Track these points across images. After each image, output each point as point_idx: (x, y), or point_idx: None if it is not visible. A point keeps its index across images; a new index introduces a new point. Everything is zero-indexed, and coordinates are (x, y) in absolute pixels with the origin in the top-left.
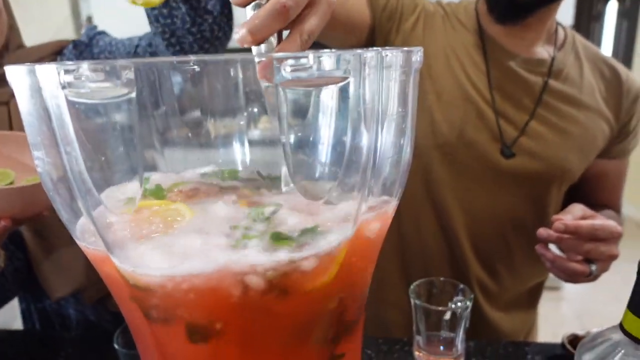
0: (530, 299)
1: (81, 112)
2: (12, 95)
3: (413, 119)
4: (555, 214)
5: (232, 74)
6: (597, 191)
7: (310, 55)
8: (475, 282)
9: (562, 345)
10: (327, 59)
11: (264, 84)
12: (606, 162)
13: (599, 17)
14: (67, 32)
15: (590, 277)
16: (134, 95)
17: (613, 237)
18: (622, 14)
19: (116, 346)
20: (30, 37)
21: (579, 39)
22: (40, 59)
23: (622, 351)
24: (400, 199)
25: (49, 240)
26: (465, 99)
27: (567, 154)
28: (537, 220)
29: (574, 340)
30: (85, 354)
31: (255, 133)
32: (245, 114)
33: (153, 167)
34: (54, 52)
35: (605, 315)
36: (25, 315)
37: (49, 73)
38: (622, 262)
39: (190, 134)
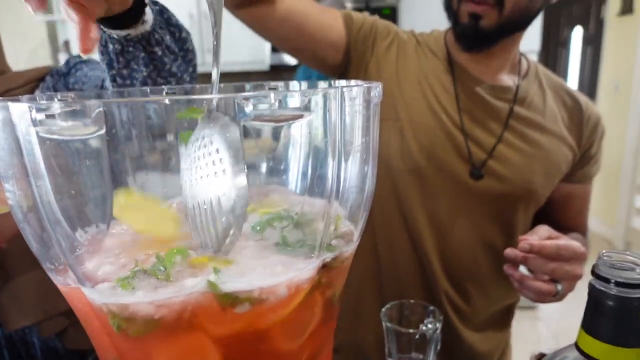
0: (503, 320)
1: (52, 148)
2: None
3: (375, 149)
4: (522, 234)
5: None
6: (563, 215)
7: (272, 94)
8: (447, 303)
9: None
10: (290, 97)
11: None
12: (571, 186)
13: (565, 43)
14: (43, 55)
15: (556, 296)
16: (103, 132)
17: (577, 257)
18: (586, 40)
19: None
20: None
21: (542, 69)
22: (24, 85)
23: None
24: (375, 220)
25: (6, 270)
26: (436, 122)
27: (533, 177)
28: (506, 242)
29: (542, 358)
30: None
31: None
32: None
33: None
34: (37, 79)
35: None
36: None
37: (22, 110)
38: None
39: (162, 163)
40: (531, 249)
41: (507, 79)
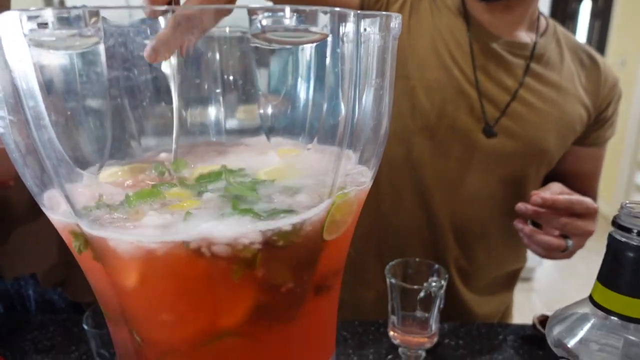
0: (506, 285)
1: (45, 63)
2: None
3: (391, 87)
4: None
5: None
6: (574, 179)
7: (287, 8)
8: (452, 263)
9: (533, 325)
10: (305, 14)
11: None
12: (583, 150)
13: (573, 15)
14: None
15: (565, 252)
16: (102, 45)
17: (590, 213)
18: (594, 14)
19: (85, 327)
20: None
21: (560, 29)
22: None
23: (592, 322)
24: (381, 177)
25: (6, 220)
26: (449, 79)
27: (546, 135)
28: (515, 201)
29: (544, 321)
30: (53, 336)
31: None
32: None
33: (123, 133)
34: None
35: (572, 301)
36: None
37: (10, 19)
38: (590, 254)
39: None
40: (543, 202)
41: (525, 36)
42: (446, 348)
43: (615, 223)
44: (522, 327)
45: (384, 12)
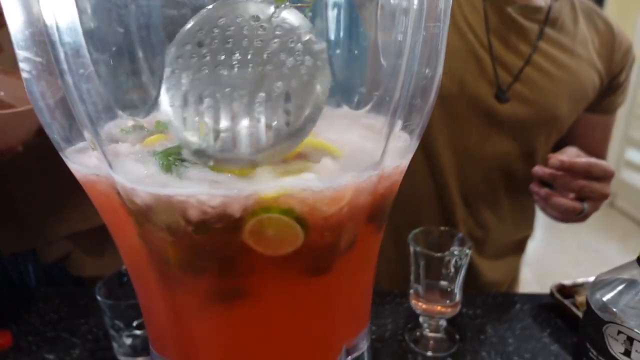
0: (515, 252)
1: None
2: None
3: (445, 35)
4: (541, 163)
5: None
6: (584, 148)
7: None
8: (463, 230)
9: (551, 294)
10: None
11: None
12: (595, 117)
13: None
14: None
15: (581, 215)
16: None
17: (606, 177)
18: None
19: (99, 297)
20: None
21: None
22: None
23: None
24: None
25: (6, 192)
26: (463, 43)
27: (558, 101)
28: (525, 170)
29: (562, 289)
30: (60, 309)
31: None
32: None
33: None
34: None
35: (562, 275)
36: None
37: None
38: (581, 231)
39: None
40: (561, 165)
41: (539, 0)
42: (465, 317)
43: None
44: (539, 296)
45: None
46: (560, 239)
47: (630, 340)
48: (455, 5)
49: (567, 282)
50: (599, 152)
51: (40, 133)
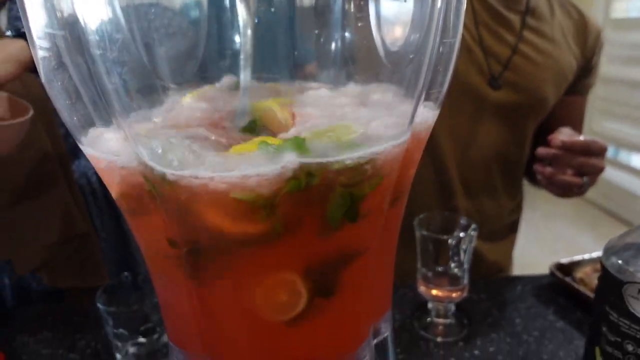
0: (508, 233)
1: None
2: None
3: (464, 3)
4: (528, 146)
5: None
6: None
7: None
8: (462, 212)
9: (551, 273)
10: None
11: None
12: (571, 98)
13: None
14: None
15: (581, 189)
16: None
17: (602, 152)
18: None
19: (100, 306)
20: None
21: None
22: None
23: None
24: None
25: None
26: None
27: (545, 85)
28: (516, 152)
29: (560, 267)
30: (53, 324)
31: None
32: None
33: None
34: None
35: (540, 264)
36: None
37: None
38: (554, 221)
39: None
40: (563, 145)
41: None
42: (472, 302)
43: None
44: (539, 277)
45: None
46: (533, 229)
47: None
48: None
49: (564, 260)
50: (577, 131)
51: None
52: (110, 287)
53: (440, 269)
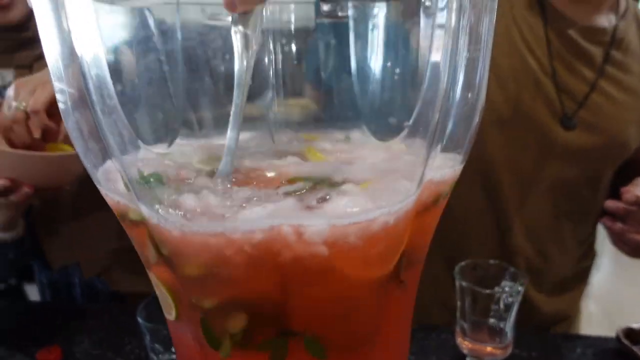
0: (576, 283)
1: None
2: (35, 59)
3: (489, 54)
4: (606, 189)
5: None
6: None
7: None
8: (521, 261)
9: (617, 338)
10: None
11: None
12: None
13: None
14: None
15: None
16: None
17: None
18: None
19: (140, 320)
20: None
21: None
22: None
23: None
24: None
25: (54, 212)
26: (524, 68)
27: (627, 127)
28: (589, 194)
29: (630, 333)
30: (108, 326)
31: None
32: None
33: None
34: None
35: (635, 314)
36: (40, 283)
37: None
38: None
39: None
40: (637, 200)
41: (603, 19)
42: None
43: None
44: (604, 340)
45: None
46: (629, 270)
47: None
48: (514, 30)
49: (636, 325)
50: None
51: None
52: (152, 302)
53: (480, 322)
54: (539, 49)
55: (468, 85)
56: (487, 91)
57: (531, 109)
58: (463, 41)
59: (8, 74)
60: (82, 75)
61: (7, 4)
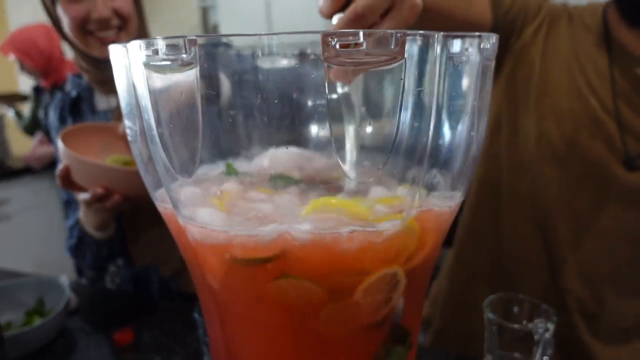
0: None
1: (156, 86)
2: None
3: (485, 112)
4: None
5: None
6: None
7: (361, 32)
8: (575, 305)
9: None
10: (379, 37)
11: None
12: None
13: None
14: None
15: None
16: (196, 70)
17: None
18: None
19: (196, 315)
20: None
21: None
22: None
23: None
24: (501, 206)
25: (139, 218)
26: (583, 107)
27: None
28: None
29: None
30: (175, 320)
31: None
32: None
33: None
34: None
35: None
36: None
37: (134, 48)
38: None
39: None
40: None
41: None
42: None
43: None
44: None
45: (475, 33)
46: None
47: None
48: (577, 71)
49: None
50: None
51: None
52: None
53: (505, 356)
54: (602, 87)
55: (467, 135)
56: (543, 128)
57: (588, 148)
58: (454, 92)
59: (113, 99)
60: (140, 117)
61: (114, 41)
